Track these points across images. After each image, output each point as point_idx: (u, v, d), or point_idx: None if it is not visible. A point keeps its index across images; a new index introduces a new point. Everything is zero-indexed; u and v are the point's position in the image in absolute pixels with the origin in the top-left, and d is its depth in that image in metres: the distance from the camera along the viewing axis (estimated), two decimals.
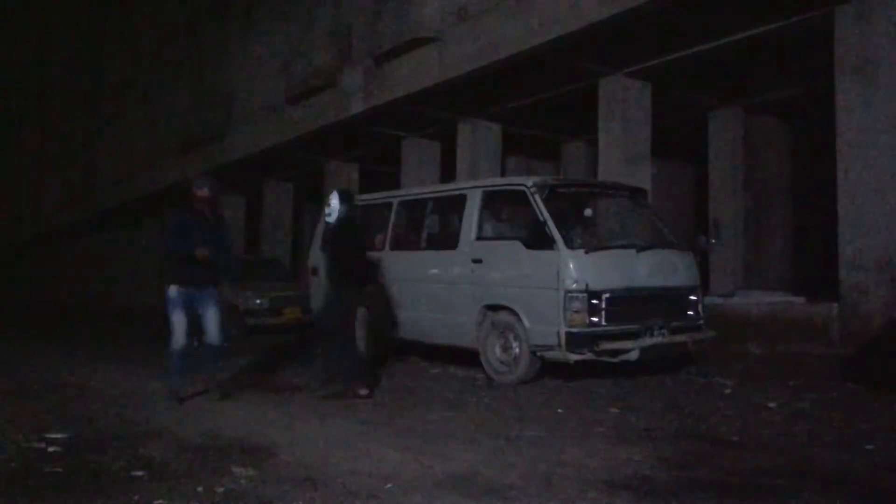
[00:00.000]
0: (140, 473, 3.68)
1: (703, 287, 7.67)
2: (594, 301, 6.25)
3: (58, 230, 31.70)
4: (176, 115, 19.88)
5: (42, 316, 19.09)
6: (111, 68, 26.30)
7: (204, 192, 5.74)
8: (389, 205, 8.37)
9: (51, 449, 4.19)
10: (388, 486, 3.49)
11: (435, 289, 7.45)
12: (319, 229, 9.32)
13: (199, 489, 3.44)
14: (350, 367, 6.06)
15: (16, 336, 11.92)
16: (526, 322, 6.48)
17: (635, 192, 7.82)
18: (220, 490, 3.43)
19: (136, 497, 3.32)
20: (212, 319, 5.80)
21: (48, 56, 33.92)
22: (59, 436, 4.46)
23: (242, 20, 17.05)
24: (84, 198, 27.64)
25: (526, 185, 6.76)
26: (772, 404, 5.53)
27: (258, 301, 11.78)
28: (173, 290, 5.67)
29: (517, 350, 6.62)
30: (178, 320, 5.64)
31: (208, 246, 5.58)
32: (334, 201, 6.25)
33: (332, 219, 6.25)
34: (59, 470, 3.76)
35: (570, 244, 6.40)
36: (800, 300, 7.91)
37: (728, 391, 6.18)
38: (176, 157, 19.59)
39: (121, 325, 15.20)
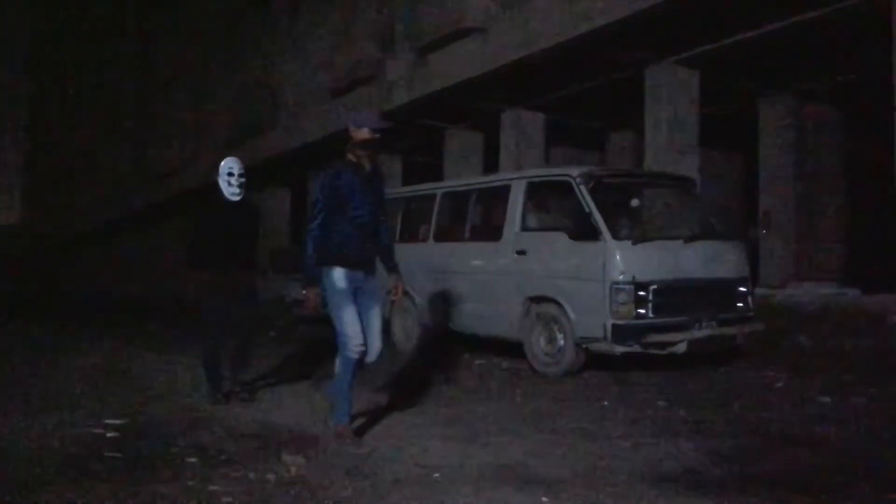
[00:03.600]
0: (193, 460, 3.78)
1: (753, 278, 7.51)
2: (641, 293, 6.18)
3: (108, 224, 32.57)
4: (222, 109, 20.25)
5: (95, 307, 19.64)
6: (158, 63, 26.86)
7: (367, 133, 4.16)
8: (433, 196, 8.39)
9: (109, 434, 4.32)
10: (436, 475, 3.52)
11: (479, 280, 7.46)
12: None
13: (251, 476, 3.52)
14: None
15: (72, 327, 12.29)
16: (571, 314, 6.44)
17: (683, 182, 7.70)
18: (271, 477, 3.50)
19: (191, 483, 3.40)
20: (375, 324, 4.27)
21: (98, 53, 34.78)
22: (116, 422, 4.59)
23: (287, 14, 17.23)
24: (133, 191, 28.32)
25: (571, 176, 6.70)
26: (825, 399, 5.40)
27: (304, 292, 11.94)
28: (339, 276, 4.13)
29: (562, 342, 6.58)
30: (351, 317, 4.10)
31: (374, 212, 4.24)
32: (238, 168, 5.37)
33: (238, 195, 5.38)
34: (118, 455, 3.88)
35: (616, 235, 6.33)
36: (854, 292, 7.72)
37: (779, 385, 6.06)
38: (222, 151, 19.86)
39: (172, 316, 15.56)
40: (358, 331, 4.07)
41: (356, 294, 4.15)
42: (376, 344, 4.20)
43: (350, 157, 4.20)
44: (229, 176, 5.36)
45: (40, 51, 49.63)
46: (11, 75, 52.13)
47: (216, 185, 5.42)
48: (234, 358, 5.51)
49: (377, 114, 4.05)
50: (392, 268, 4.35)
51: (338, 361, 4.19)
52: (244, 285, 5.44)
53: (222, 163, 5.44)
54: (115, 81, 31.88)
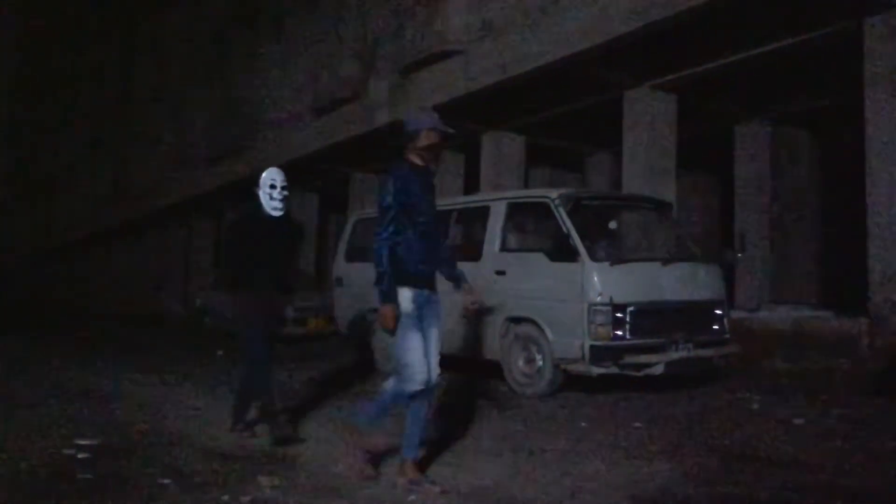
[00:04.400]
0: (167, 481, 3.73)
1: (729, 301, 7.60)
2: (618, 314, 6.23)
3: (87, 238, 32.24)
4: (205, 126, 20.18)
5: (69, 322, 19.37)
6: (141, 78, 26.77)
7: (435, 137, 3.78)
8: None
9: (80, 455, 4.26)
10: (412, 497, 3.51)
11: (458, 300, 7.44)
12: (345, 237, 9.40)
13: (226, 498, 3.48)
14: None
15: (46, 343, 12.11)
16: (549, 335, 6.47)
17: (661, 205, 7.79)
18: (246, 499, 3.47)
19: None
20: (436, 346, 3.85)
21: (80, 66, 34.60)
22: (88, 442, 4.53)
23: (271, 32, 17.27)
24: (113, 206, 28.09)
25: (550, 198, 6.77)
26: (799, 420, 5.45)
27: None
28: (406, 297, 3.68)
29: (540, 363, 6.60)
30: (417, 344, 3.67)
31: (436, 220, 3.89)
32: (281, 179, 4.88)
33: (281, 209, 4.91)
34: (89, 476, 3.83)
35: (594, 257, 6.38)
36: (827, 315, 7.81)
37: (754, 406, 6.11)
38: (204, 167, 19.86)
39: (148, 333, 15.39)
40: (423, 359, 3.64)
41: (420, 316, 3.72)
42: (437, 367, 3.81)
43: (414, 158, 3.78)
44: (271, 188, 4.83)
45: (22, 65, 49.24)
46: None
47: (255, 197, 4.88)
48: (243, 388, 5.00)
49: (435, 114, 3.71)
50: (459, 277, 4.05)
51: (389, 389, 3.75)
52: (280, 311, 5.03)
53: (263, 174, 4.92)
54: (97, 97, 31.70)
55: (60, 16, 37.58)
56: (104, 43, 31.12)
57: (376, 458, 3.94)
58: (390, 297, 3.65)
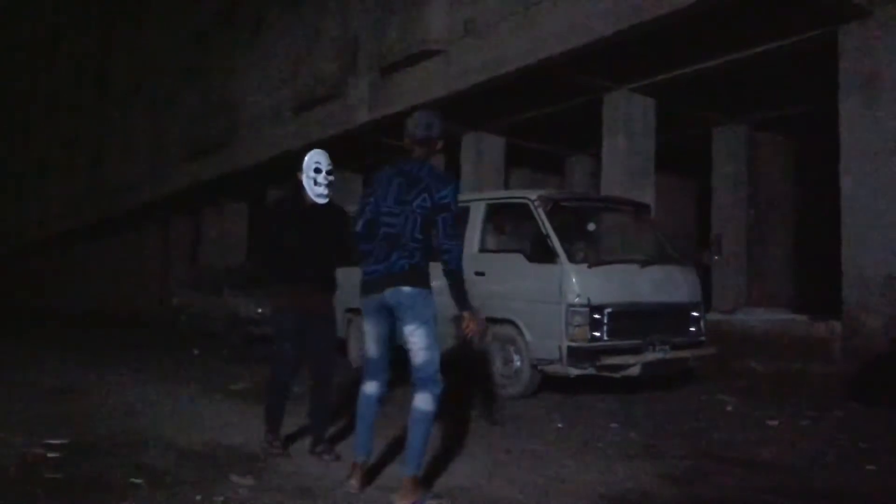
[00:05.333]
0: (139, 481, 3.68)
1: (706, 303, 7.66)
2: (596, 315, 6.25)
3: (62, 235, 31.82)
4: (182, 123, 19.99)
5: (45, 321, 19.09)
6: (118, 75, 26.46)
7: (441, 144, 3.65)
8: None
9: (50, 454, 4.18)
10: (391, 497, 3.48)
11: (436, 301, 7.43)
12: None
13: (198, 497, 3.43)
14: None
15: (18, 341, 11.92)
16: (527, 335, 6.48)
17: (639, 207, 7.83)
18: (219, 499, 3.42)
19: None
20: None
21: (55, 62, 34.16)
22: (58, 441, 4.45)
23: (250, 29, 17.15)
24: (89, 204, 27.75)
25: (529, 199, 6.78)
26: (773, 422, 5.51)
27: (259, 310, 11.79)
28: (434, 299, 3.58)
29: (518, 363, 6.61)
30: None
31: None
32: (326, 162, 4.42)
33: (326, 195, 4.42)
34: (58, 476, 3.76)
35: (572, 258, 6.40)
36: (802, 318, 7.89)
37: (730, 408, 6.17)
38: (181, 165, 19.67)
39: (125, 331, 15.21)
40: None
41: None
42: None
43: (430, 159, 3.63)
44: (316, 173, 4.35)
45: None
46: None
47: (297, 182, 4.42)
48: (312, 405, 4.42)
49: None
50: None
51: (426, 407, 3.42)
52: (322, 309, 4.37)
53: (306, 157, 4.42)
54: (73, 92, 31.30)
55: (37, 10, 37.09)
56: (82, 39, 30.74)
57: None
58: (472, 307, 3.58)
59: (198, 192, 19.17)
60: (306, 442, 4.45)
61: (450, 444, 4.69)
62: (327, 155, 4.44)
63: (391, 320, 3.55)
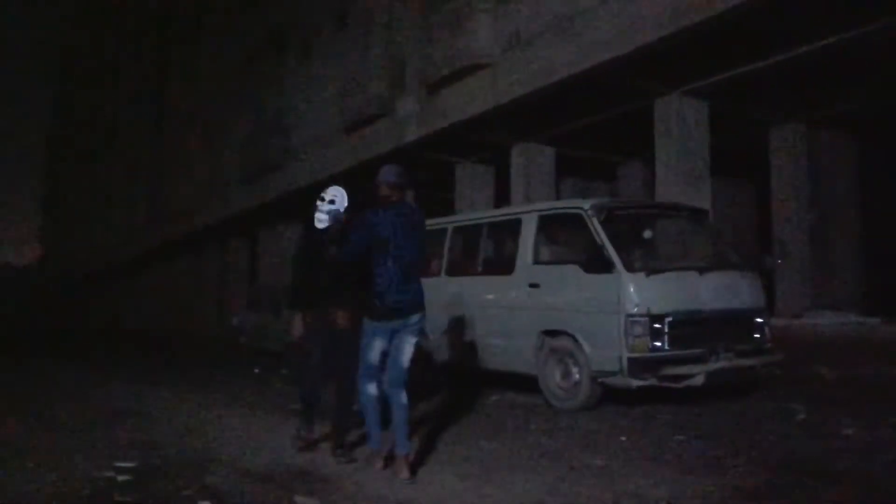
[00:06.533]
0: (206, 502, 3.73)
1: (770, 308, 7.42)
2: (656, 325, 6.10)
3: (125, 261, 32.85)
4: (236, 146, 20.48)
5: (111, 343, 19.68)
6: (174, 102, 27.30)
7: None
8: (444, 231, 8.38)
9: (120, 478, 4.28)
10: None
11: (492, 314, 7.41)
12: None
13: None
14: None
15: (88, 364, 12.29)
16: (586, 347, 6.37)
17: (696, 213, 7.66)
18: None
19: None
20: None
21: (116, 92, 35.43)
22: (127, 464, 4.55)
23: (299, 52, 17.49)
24: (150, 230, 28.60)
25: (583, 208, 6.68)
26: (849, 431, 5.27)
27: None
28: None
29: (577, 376, 6.50)
30: None
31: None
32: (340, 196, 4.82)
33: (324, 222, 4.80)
34: (129, 499, 3.84)
35: (630, 267, 6.27)
36: (874, 320, 7.59)
37: (801, 417, 5.93)
38: (236, 188, 20.13)
39: (188, 351, 15.56)
40: None
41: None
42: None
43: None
44: (320, 201, 4.80)
45: (59, 96, 50.63)
46: (31, 118, 53.17)
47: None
48: (335, 415, 4.76)
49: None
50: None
51: (404, 401, 4.28)
52: (347, 325, 4.66)
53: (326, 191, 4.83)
54: (132, 121, 32.41)
55: (97, 46, 38.59)
56: (139, 70, 31.83)
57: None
58: None
59: (254, 214, 19.58)
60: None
61: (508, 458, 4.63)
62: (341, 189, 4.87)
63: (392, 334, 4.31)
